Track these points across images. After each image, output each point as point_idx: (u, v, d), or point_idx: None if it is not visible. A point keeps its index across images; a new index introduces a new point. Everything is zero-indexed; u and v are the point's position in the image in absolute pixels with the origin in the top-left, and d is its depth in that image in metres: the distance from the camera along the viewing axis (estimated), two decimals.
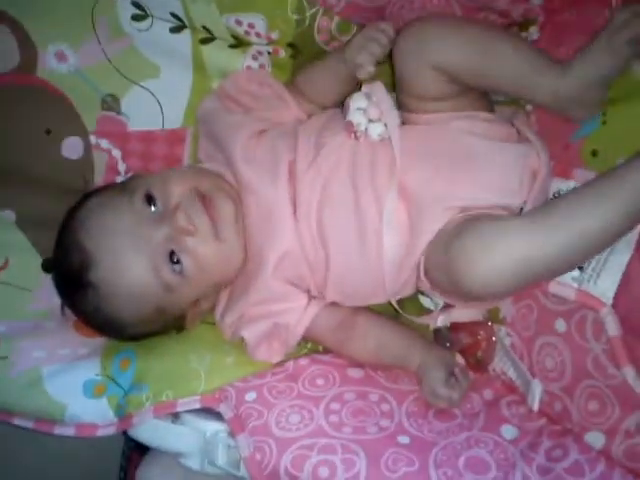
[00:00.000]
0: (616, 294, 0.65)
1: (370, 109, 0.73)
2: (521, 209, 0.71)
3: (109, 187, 0.82)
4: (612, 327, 0.65)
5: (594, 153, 0.70)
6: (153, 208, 0.74)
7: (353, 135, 0.74)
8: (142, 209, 0.74)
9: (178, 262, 0.74)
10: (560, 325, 0.71)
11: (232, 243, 0.77)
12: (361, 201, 0.73)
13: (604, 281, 0.65)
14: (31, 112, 0.83)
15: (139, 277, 0.73)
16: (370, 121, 0.74)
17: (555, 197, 0.71)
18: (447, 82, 0.72)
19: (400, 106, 0.77)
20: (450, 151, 0.73)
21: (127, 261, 0.73)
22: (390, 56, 0.76)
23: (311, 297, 0.79)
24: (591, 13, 0.71)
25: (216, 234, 0.75)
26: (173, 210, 0.74)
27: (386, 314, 0.81)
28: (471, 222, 0.66)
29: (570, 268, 0.66)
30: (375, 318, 0.80)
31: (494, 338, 0.79)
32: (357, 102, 0.74)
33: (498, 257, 0.61)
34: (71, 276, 0.76)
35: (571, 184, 0.71)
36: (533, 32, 0.78)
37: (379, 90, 0.75)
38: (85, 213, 0.76)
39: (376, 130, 0.74)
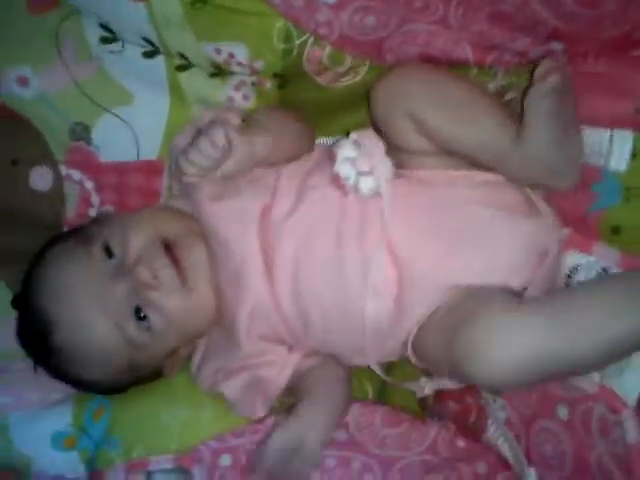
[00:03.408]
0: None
1: (360, 160, 0.64)
2: (524, 288, 0.64)
3: (72, 234, 0.76)
4: (632, 433, 0.57)
5: (615, 230, 0.63)
6: (113, 260, 0.69)
7: (341, 189, 0.66)
8: (101, 262, 0.69)
9: (145, 318, 0.68)
10: (562, 412, 0.65)
11: (202, 292, 0.71)
12: (346, 262, 0.66)
13: (628, 380, 0.59)
14: None
15: (103, 338, 0.68)
16: (360, 173, 0.65)
17: (572, 283, 0.64)
18: (425, 136, 0.66)
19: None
20: (451, 218, 0.65)
21: (88, 322, 0.68)
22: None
23: (290, 347, 0.73)
24: (620, 70, 0.61)
25: (183, 284, 0.69)
26: (134, 263, 0.68)
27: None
28: (478, 308, 0.59)
29: (589, 371, 0.60)
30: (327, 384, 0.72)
31: (482, 401, 0.74)
32: (345, 151, 0.65)
33: (511, 354, 0.55)
34: (34, 341, 0.72)
35: (591, 260, 0.64)
36: None
37: (369, 137, 0.66)
38: (44, 270, 0.72)
39: (367, 184, 0.65)
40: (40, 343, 0.70)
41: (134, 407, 0.74)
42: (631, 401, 0.59)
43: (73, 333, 0.68)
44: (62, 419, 0.74)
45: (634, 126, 0.61)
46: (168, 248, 0.69)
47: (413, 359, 0.68)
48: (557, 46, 0.65)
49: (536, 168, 0.64)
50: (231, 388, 0.72)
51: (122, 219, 0.73)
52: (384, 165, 0.65)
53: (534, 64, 0.67)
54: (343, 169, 0.65)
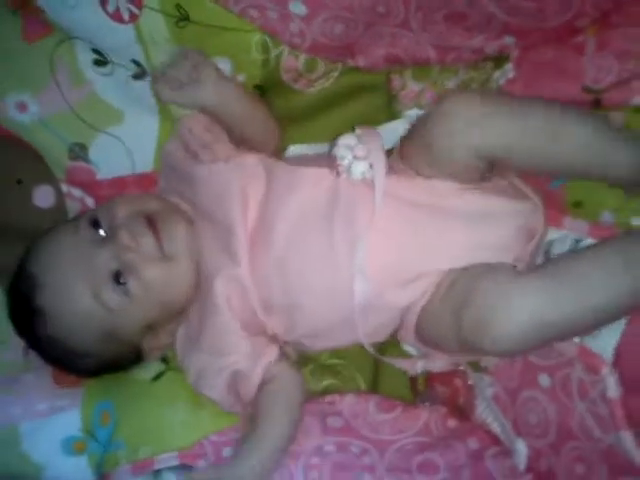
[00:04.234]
0: (615, 353, 0.62)
1: (358, 147, 0.69)
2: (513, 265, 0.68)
3: (67, 220, 0.81)
4: (613, 388, 0.61)
5: (578, 204, 0.67)
6: (100, 232, 0.72)
7: (335, 170, 0.70)
8: (87, 233, 0.72)
9: (124, 283, 0.71)
10: (544, 380, 0.68)
11: (181, 263, 0.73)
12: (335, 242, 0.69)
13: (603, 337, 0.63)
14: (1, 163, 0.81)
15: (80, 298, 0.71)
16: (355, 158, 0.69)
17: (550, 257, 0.68)
18: (484, 167, 0.67)
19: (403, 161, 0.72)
20: (441, 205, 0.69)
21: (68, 283, 0.71)
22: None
23: (272, 339, 0.75)
24: (566, 55, 0.66)
25: (162, 252, 0.72)
26: (116, 229, 0.71)
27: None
28: (478, 284, 0.63)
29: (590, 332, 0.63)
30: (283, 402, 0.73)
31: (470, 382, 0.77)
32: (346, 139, 0.70)
33: (517, 323, 0.59)
34: (20, 303, 0.75)
35: (563, 233, 0.68)
36: (508, 70, 0.73)
37: (373, 135, 0.70)
38: (36, 243, 0.75)
39: (359, 168, 0.69)
40: (25, 306, 0.73)
41: (137, 410, 0.76)
42: (608, 358, 0.62)
43: (55, 293, 0.71)
44: (71, 424, 0.76)
45: (583, 104, 0.66)
46: (151, 222, 0.72)
47: (411, 339, 0.71)
48: (510, 40, 0.70)
49: None
50: (214, 389, 0.74)
51: (109, 201, 0.77)
52: (379, 156, 0.69)
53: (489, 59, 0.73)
54: (340, 151, 0.69)
